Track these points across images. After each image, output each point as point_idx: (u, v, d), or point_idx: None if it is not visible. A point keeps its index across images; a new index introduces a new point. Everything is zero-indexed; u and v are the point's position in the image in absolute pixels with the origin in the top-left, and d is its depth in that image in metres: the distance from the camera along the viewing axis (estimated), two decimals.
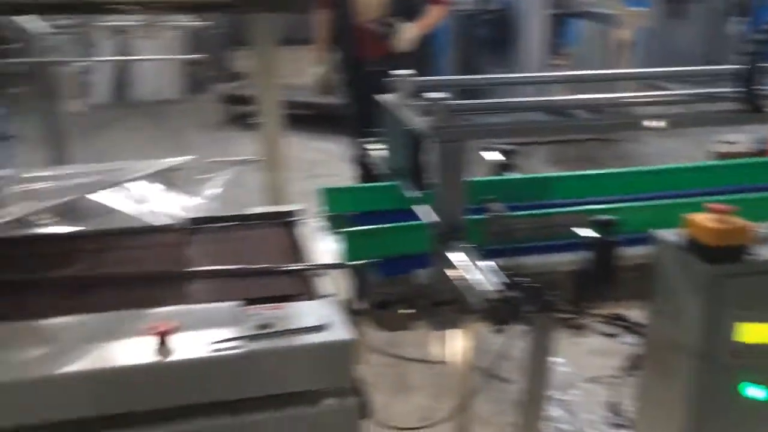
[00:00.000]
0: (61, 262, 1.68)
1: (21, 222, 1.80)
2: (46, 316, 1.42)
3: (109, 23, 5.92)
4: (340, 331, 1.37)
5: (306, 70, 4.23)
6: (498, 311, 1.35)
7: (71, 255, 1.72)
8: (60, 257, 1.71)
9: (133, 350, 1.31)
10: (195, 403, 1.33)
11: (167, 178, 2.00)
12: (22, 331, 1.38)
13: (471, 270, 1.44)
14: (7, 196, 1.67)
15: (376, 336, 1.70)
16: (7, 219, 1.66)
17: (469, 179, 1.64)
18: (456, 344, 1.90)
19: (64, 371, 1.26)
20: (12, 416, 1.26)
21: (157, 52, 7.34)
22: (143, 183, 1.92)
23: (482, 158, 2.07)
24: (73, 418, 1.29)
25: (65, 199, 1.70)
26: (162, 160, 1.99)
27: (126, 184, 1.89)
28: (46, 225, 1.83)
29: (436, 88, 1.66)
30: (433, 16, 3.89)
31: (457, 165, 1.57)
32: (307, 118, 6.26)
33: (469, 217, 1.64)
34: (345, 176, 4.62)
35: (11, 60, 3.63)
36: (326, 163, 5.92)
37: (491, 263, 1.46)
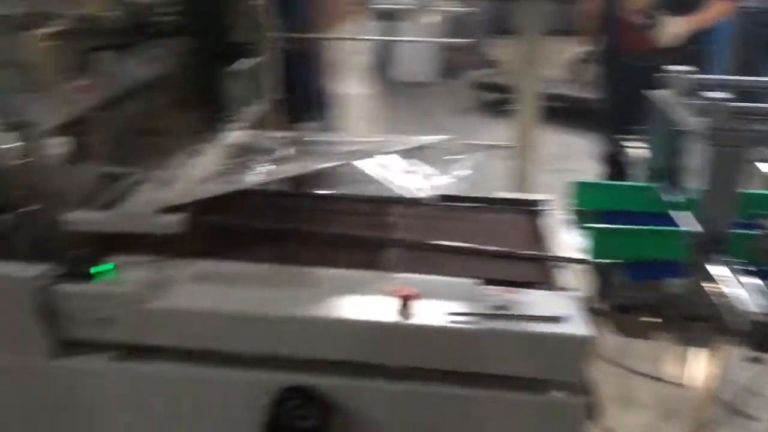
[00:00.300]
0: (325, 219, 1.85)
1: (295, 180, 2.01)
2: (310, 264, 1.59)
3: (378, 6, 6.29)
4: (577, 326, 1.34)
5: (562, 62, 4.13)
6: (762, 337, 1.22)
7: (333, 214, 1.90)
8: (324, 215, 1.89)
9: (377, 308, 1.41)
10: (426, 367, 1.41)
11: (421, 154, 2.09)
12: (289, 274, 1.56)
13: (734, 287, 1.32)
14: (287, 155, 1.88)
15: (606, 343, 1.64)
16: (284, 176, 1.87)
17: (742, 190, 1.49)
18: (698, 366, 1.76)
19: (320, 315, 1.41)
20: (273, 345, 1.43)
21: (418, 35, 7.65)
22: (400, 156, 2.03)
23: (758, 169, 1.87)
24: (319, 358, 1.43)
25: (334, 163, 1.85)
26: (418, 138, 2.08)
27: (385, 156, 2.01)
28: (316, 185, 2.03)
29: (714, 87, 1.53)
30: (712, 12, 3.56)
31: (732, 173, 1.44)
32: (556, 111, 6.12)
33: (736, 231, 1.50)
34: (588, 173, 4.45)
35: None
36: (570, 157, 5.74)
37: (760, 283, 1.32)
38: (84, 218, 1.51)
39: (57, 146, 1.51)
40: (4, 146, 1.53)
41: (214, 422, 1.49)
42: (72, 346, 1.47)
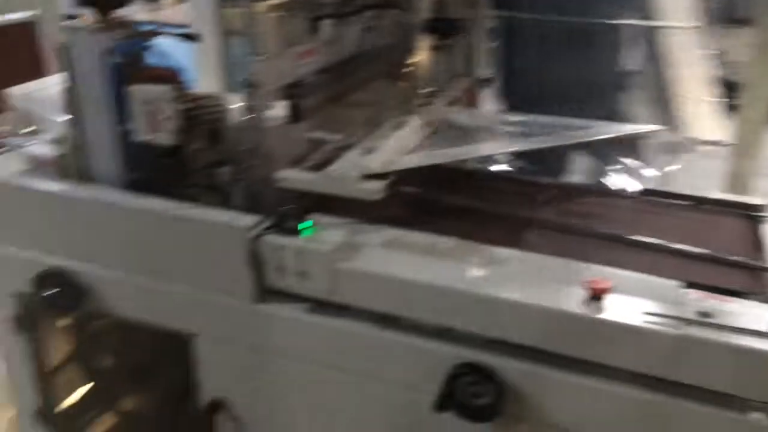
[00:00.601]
0: (519, 201, 1.82)
1: (488, 159, 2.01)
2: (500, 245, 1.57)
3: None
4: None
5: None
6: None
7: (528, 197, 1.86)
8: (519, 197, 1.86)
9: (567, 297, 1.37)
10: (611, 365, 1.34)
11: (628, 144, 1.98)
12: (479, 252, 1.55)
13: None
14: (488, 134, 1.86)
15: None
16: (482, 155, 1.86)
17: None
18: None
19: (507, 296, 1.39)
20: (456, 320, 1.45)
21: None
22: (605, 145, 1.94)
23: None
24: (501, 339, 1.42)
25: (535, 146, 1.81)
26: (627, 126, 1.96)
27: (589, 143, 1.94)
28: (508, 166, 2.01)
29: None
30: None
31: None
32: None
33: None
34: None
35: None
36: None
37: None
38: (294, 177, 1.62)
39: (277, 108, 1.63)
40: (232, 105, 1.68)
41: (390, 384, 1.54)
42: (272, 294, 1.59)
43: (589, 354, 1.36)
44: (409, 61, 2.01)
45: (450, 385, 1.42)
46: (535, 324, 1.38)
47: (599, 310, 1.33)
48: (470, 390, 1.41)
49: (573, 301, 1.35)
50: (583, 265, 1.48)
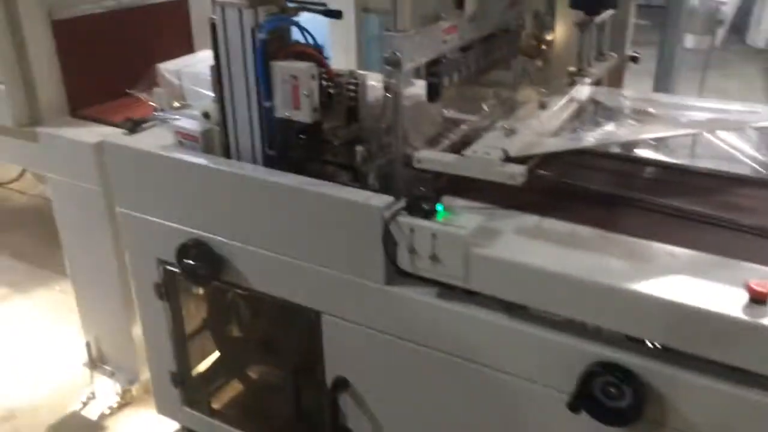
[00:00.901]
0: (664, 190, 1.68)
1: (636, 144, 1.88)
2: (643, 237, 1.47)
3: None
4: None
5: None
6: None
7: (675, 186, 1.72)
8: (664, 186, 1.73)
9: (721, 297, 1.25)
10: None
11: None
12: (621, 244, 1.46)
13: None
14: (636, 118, 1.73)
15: None
16: (628, 140, 1.74)
17: None
18: None
19: (652, 293, 1.29)
20: (594, 316, 1.36)
21: None
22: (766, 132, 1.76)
23: None
24: (643, 339, 1.33)
25: (686, 131, 1.67)
26: None
27: (747, 129, 1.76)
28: (658, 152, 1.87)
29: None
30: None
31: None
32: None
33: None
34: None
35: None
36: None
37: None
38: (433, 158, 1.58)
39: (416, 86, 1.59)
40: (372, 82, 1.66)
41: (518, 379, 1.48)
42: (403, 276, 1.56)
43: (746, 362, 1.24)
44: (552, 38, 1.91)
45: (586, 385, 1.35)
46: (686, 326, 1.27)
47: (762, 315, 1.21)
48: (609, 391, 1.33)
49: (731, 303, 1.24)
50: (742, 264, 1.36)
